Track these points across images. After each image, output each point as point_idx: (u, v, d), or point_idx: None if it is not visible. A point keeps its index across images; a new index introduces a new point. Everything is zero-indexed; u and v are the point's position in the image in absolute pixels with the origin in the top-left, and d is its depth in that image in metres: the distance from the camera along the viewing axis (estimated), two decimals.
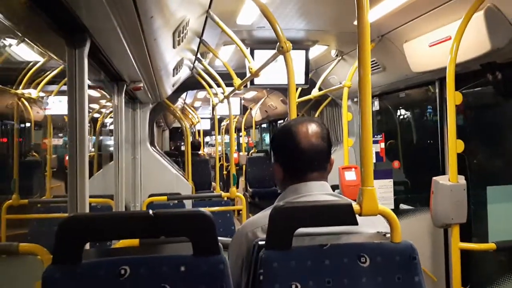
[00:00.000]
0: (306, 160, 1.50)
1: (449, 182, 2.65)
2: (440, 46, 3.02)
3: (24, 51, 3.71)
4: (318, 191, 1.48)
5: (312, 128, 1.49)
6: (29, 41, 2.90)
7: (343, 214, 1.35)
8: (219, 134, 10.20)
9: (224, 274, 1.27)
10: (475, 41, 2.67)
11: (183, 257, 1.28)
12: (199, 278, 1.26)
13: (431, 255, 3.69)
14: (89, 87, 2.11)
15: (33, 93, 4.56)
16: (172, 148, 14.91)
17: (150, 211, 1.23)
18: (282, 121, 10.04)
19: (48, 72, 4.31)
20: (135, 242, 2.18)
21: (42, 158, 6.22)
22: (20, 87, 4.27)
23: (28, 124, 6.28)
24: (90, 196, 3.93)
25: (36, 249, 2.10)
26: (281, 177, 1.56)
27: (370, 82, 1.40)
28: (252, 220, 1.53)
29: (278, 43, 2.34)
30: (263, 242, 1.34)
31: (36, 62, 4.04)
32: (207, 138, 16.26)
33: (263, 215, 1.45)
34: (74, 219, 1.26)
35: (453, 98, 2.62)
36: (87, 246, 2.03)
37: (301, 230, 1.37)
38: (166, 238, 1.34)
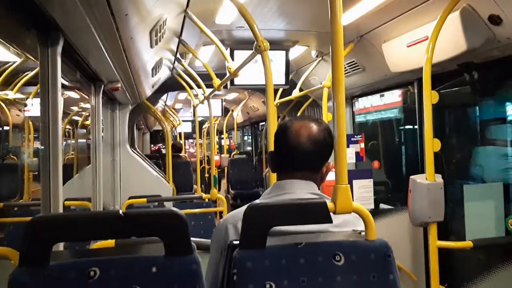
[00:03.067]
0: (290, 158, 1.49)
1: (426, 180, 2.66)
2: (417, 46, 3.04)
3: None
4: (301, 190, 1.47)
5: (307, 128, 1.47)
6: (3, 41, 2.84)
7: (318, 212, 1.34)
8: (200, 136, 10.15)
9: (197, 275, 1.25)
10: (452, 41, 2.69)
11: (154, 257, 1.25)
12: (171, 279, 1.23)
13: (411, 254, 3.71)
14: (67, 87, 2.08)
15: (9, 94, 4.48)
16: (153, 151, 14.80)
17: (120, 211, 1.21)
18: (264, 122, 10.05)
19: (26, 73, 4.23)
20: (111, 243, 2.14)
21: (22, 161, 6.12)
22: None
23: (6, 127, 6.17)
24: (69, 199, 3.88)
25: (8, 252, 2.04)
26: (272, 168, 1.58)
27: (344, 80, 1.39)
28: (233, 213, 1.52)
29: (255, 43, 2.33)
30: (237, 242, 1.32)
31: (13, 63, 3.96)
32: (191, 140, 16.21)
33: (245, 209, 1.44)
34: (42, 220, 1.23)
35: (430, 97, 2.64)
36: (61, 247, 2.00)
37: (280, 228, 1.36)
38: (141, 238, 1.31)
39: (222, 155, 9.73)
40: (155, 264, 1.23)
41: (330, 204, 1.34)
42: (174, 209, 1.26)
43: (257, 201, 1.40)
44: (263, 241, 1.30)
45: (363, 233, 1.40)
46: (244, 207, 1.49)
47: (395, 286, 1.35)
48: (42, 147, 2.00)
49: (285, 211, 1.33)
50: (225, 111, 9.92)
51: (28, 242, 1.19)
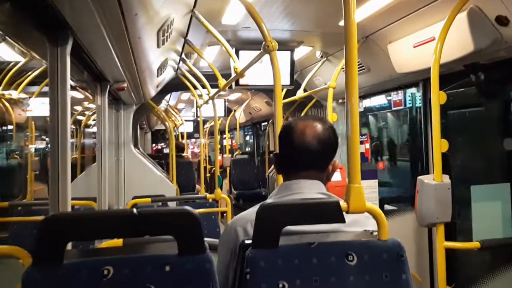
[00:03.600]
0: (296, 157, 1.49)
1: (434, 181, 2.66)
2: (424, 47, 3.04)
3: (4, 51, 3.65)
4: (309, 190, 1.47)
5: (312, 127, 1.47)
6: (10, 40, 2.84)
7: (331, 212, 1.33)
8: (203, 136, 10.15)
9: (211, 273, 1.25)
10: (459, 42, 2.69)
11: (168, 256, 1.25)
12: (184, 277, 1.23)
13: (416, 255, 3.71)
14: (72, 87, 2.08)
15: (13, 94, 4.48)
16: (155, 150, 14.79)
17: (134, 210, 1.21)
18: (266, 123, 10.05)
19: (30, 73, 4.24)
20: (118, 242, 2.14)
21: (24, 161, 6.12)
22: (0, 88, 4.19)
23: (10, 126, 6.18)
24: (73, 199, 3.88)
25: (17, 251, 2.04)
26: (277, 170, 1.58)
27: (357, 82, 1.39)
28: (242, 215, 1.52)
29: (264, 42, 2.33)
30: (250, 241, 1.32)
31: (17, 63, 3.97)
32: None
33: (253, 211, 1.43)
34: (55, 218, 1.23)
35: (438, 98, 2.63)
36: (69, 246, 1.99)
37: (289, 228, 1.36)
38: (151, 237, 1.31)
39: (224, 155, 9.73)
40: (169, 263, 1.23)
41: (343, 204, 1.34)
42: (188, 207, 1.26)
43: (269, 200, 1.40)
44: (276, 240, 1.30)
45: (375, 233, 1.40)
46: (251, 209, 1.49)
47: (407, 286, 1.35)
48: (51, 147, 1.99)
49: (298, 211, 1.33)
50: (228, 111, 9.93)
51: (41, 241, 1.18)
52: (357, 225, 1.48)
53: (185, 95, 9.04)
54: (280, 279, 1.28)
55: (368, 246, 1.35)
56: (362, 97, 4.87)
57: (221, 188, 9.93)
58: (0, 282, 2.68)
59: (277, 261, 1.29)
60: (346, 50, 1.39)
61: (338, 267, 1.31)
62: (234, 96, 9.07)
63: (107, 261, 1.21)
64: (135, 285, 1.20)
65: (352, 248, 1.34)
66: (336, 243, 1.36)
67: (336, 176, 3.74)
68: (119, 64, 2.83)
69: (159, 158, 8.88)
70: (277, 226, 1.31)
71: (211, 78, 4.19)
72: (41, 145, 6.96)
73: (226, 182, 9.72)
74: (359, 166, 1.37)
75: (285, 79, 4.22)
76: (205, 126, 11.73)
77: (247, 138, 14.50)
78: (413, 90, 4.34)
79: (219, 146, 6.22)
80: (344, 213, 1.35)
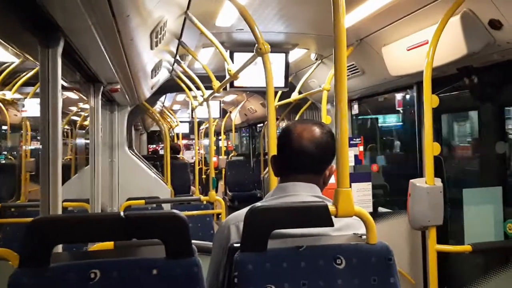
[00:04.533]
0: (293, 160, 1.50)
1: (426, 184, 2.66)
2: (417, 50, 3.04)
3: None
4: (304, 192, 1.47)
5: (310, 131, 1.48)
6: (2, 41, 2.83)
7: (319, 216, 1.33)
8: (198, 137, 10.14)
9: (198, 277, 1.25)
10: (452, 45, 2.70)
11: (155, 260, 1.25)
12: (172, 281, 1.23)
13: (409, 258, 3.72)
14: (66, 88, 2.07)
15: (7, 94, 4.47)
16: (150, 152, 14.78)
17: (122, 213, 1.20)
18: (262, 124, 10.05)
19: (24, 74, 4.23)
20: (110, 245, 2.13)
21: (19, 161, 6.10)
22: None
23: (4, 127, 6.16)
24: (66, 200, 3.87)
25: (6, 253, 2.04)
26: (274, 172, 1.58)
27: (346, 84, 1.40)
28: (236, 214, 1.53)
29: (256, 45, 2.33)
30: (238, 245, 1.32)
31: (11, 63, 3.96)
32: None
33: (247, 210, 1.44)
34: (42, 221, 1.23)
35: (430, 101, 2.64)
36: (61, 249, 1.99)
37: (279, 231, 1.36)
38: (142, 240, 1.31)
39: (220, 157, 9.72)
40: (156, 266, 1.23)
41: (331, 208, 1.34)
42: (175, 211, 1.26)
43: (259, 203, 1.39)
44: (264, 244, 1.30)
45: (364, 237, 1.40)
46: (245, 209, 1.49)
47: None
48: (42, 148, 1.99)
49: (287, 214, 1.33)
50: (223, 112, 9.93)
51: (29, 243, 1.18)
52: (350, 229, 1.49)
53: (180, 96, 9.03)
54: (268, 283, 1.28)
55: (357, 249, 1.35)
56: (357, 99, 4.87)
57: (216, 190, 9.93)
58: None
59: (265, 265, 1.28)
60: (335, 54, 1.39)
61: (326, 270, 1.31)
62: (230, 97, 9.07)
63: (94, 264, 1.21)
64: None
65: (340, 251, 1.34)
66: (324, 246, 1.36)
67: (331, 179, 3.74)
68: (112, 66, 2.82)
69: (154, 160, 8.87)
70: (266, 230, 1.31)
71: (206, 80, 4.19)
72: (37, 145, 6.93)
73: (221, 183, 9.71)
74: (348, 170, 1.38)
75: (280, 81, 4.22)
76: (201, 128, 11.72)
77: (243, 139, 14.49)
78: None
79: (214, 148, 6.21)
80: (335, 217, 1.35)
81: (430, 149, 2.62)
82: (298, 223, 1.35)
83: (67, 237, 1.23)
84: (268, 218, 1.32)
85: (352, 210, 1.35)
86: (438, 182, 2.68)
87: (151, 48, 2.83)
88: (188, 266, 1.24)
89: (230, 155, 10.59)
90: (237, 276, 1.27)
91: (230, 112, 10.56)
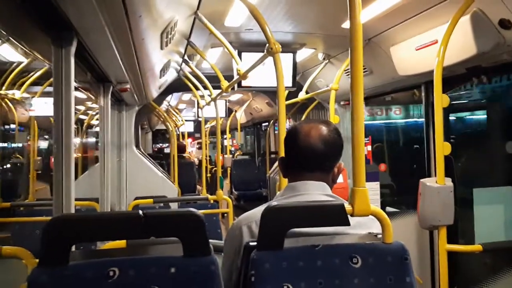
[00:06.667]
0: (302, 159, 1.51)
1: (436, 184, 2.66)
2: (426, 49, 3.04)
3: (7, 51, 3.66)
4: (315, 191, 1.48)
5: (317, 129, 1.49)
6: (13, 41, 2.85)
7: (335, 215, 1.34)
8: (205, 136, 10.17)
9: (215, 275, 1.26)
10: (461, 45, 2.69)
11: (173, 258, 1.26)
12: (189, 279, 1.24)
13: (417, 258, 3.71)
14: (75, 88, 2.08)
15: (17, 94, 4.49)
16: (155, 151, 14.81)
17: (140, 212, 1.21)
18: (267, 123, 10.05)
19: (33, 73, 4.25)
20: (121, 243, 2.15)
21: (26, 160, 6.13)
22: (4, 88, 4.21)
23: (12, 126, 6.19)
24: (75, 199, 3.89)
25: (20, 252, 2.06)
26: (283, 173, 1.59)
27: (363, 83, 1.40)
28: (247, 214, 1.54)
29: (267, 45, 2.33)
30: (254, 243, 1.33)
31: (20, 63, 3.98)
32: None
33: (258, 210, 1.45)
34: (61, 220, 1.23)
35: (440, 100, 2.63)
36: (73, 248, 2.00)
37: (294, 230, 1.37)
38: (155, 239, 1.32)
39: (225, 156, 9.73)
40: (174, 264, 1.24)
41: (348, 207, 1.34)
42: (192, 209, 1.27)
43: (274, 202, 1.40)
44: (281, 242, 1.30)
45: (379, 236, 1.40)
46: (257, 209, 1.50)
47: None
48: (55, 148, 2.00)
49: (303, 213, 1.34)
50: (229, 111, 9.93)
51: (47, 242, 1.19)
52: (362, 227, 1.49)
53: (186, 96, 9.05)
54: (285, 281, 1.28)
55: (373, 249, 1.36)
56: (365, 99, 4.87)
57: (222, 189, 9.96)
58: (2, 282, 2.68)
59: (281, 264, 1.29)
60: (351, 51, 1.39)
61: (342, 269, 1.32)
62: (235, 97, 9.07)
63: (112, 262, 1.22)
64: (140, 286, 1.21)
65: (356, 250, 1.34)
66: (340, 245, 1.36)
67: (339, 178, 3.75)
68: (122, 66, 2.83)
69: (160, 159, 8.90)
70: (282, 228, 1.31)
71: (213, 80, 4.20)
72: (44, 144, 6.96)
73: (226, 182, 9.73)
74: (364, 169, 1.38)
75: (287, 81, 4.21)
76: (206, 126, 11.73)
77: (248, 138, 14.49)
78: None
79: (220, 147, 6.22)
80: (351, 216, 1.35)
81: (441, 148, 2.61)
82: (314, 222, 1.36)
83: (87, 235, 1.24)
84: (284, 217, 1.33)
85: (369, 209, 1.35)
86: (449, 182, 2.68)
87: (161, 48, 2.85)
88: (205, 264, 1.25)
89: (236, 154, 10.59)
90: (254, 274, 1.27)
91: (236, 111, 10.57)
